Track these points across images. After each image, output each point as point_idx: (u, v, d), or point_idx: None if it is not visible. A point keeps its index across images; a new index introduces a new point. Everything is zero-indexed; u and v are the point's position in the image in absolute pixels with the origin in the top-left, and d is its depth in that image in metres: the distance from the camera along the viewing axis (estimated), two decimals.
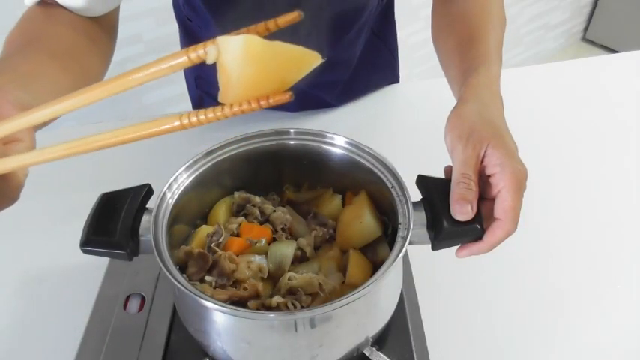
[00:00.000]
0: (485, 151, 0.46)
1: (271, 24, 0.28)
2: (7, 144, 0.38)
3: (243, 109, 0.27)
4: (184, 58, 0.27)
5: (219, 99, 0.29)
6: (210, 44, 0.27)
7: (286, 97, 0.27)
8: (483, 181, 0.47)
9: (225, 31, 0.88)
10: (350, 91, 0.94)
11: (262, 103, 0.27)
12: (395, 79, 1.02)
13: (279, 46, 0.28)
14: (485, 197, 0.47)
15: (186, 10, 0.85)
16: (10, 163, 0.33)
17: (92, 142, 0.30)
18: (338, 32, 0.80)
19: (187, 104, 1.06)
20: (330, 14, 0.76)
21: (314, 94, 0.89)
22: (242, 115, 0.28)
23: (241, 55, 0.27)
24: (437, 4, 0.70)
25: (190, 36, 0.90)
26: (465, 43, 0.59)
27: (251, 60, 0.27)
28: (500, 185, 0.45)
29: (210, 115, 0.27)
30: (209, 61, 0.27)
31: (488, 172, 0.47)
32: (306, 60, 0.29)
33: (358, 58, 0.89)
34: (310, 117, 0.92)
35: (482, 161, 0.47)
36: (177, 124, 0.28)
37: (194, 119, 0.27)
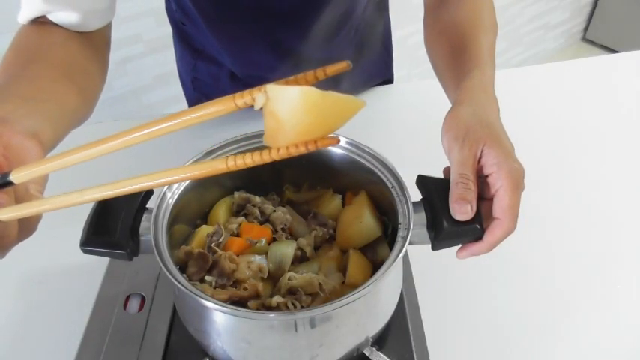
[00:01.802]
0: (481, 151, 0.46)
1: (320, 73, 0.29)
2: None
3: (291, 152, 0.28)
4: (231, 104, 0.28)
5: (264, 141, 0.30)
6: (257, 91, 0.28)
7: (335, 142, 0.29)
8: (481, 181, 0.47)
9: (219, 38, 0.87)
10: (344, 88, 0.93)
11: (310, 147, 0.28)
12: (389, 74, 1.02)
13: (332, 95, 0.29)
14: (483, 197, 0.47)
15: (178, 14, 0.85)
16: (41, 206, 0.35)
17: (132, 183, 0.31)
18: (327, 34, 0.80)
19: (186, 105, 1.06)
20: (319, 17, 0.76)
21: None
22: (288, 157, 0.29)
23: (300, 106, 0.28)
24: (428, 12, 0.70)
25: (184, 39, 0.90)
26: (457, 49, 0.60)
27: (309, 110, 0.28)
28: (498, 185, 0.45)
29: (257, 159, 0.29)
30: (256, 108, 0.28)
31: (485, 172, 0.47)
32: (352, 107, 0.30)
33: (352, 55, 0.89)
34: None
35: (479, 161, 0.47)
36: (222, 166, 0.29)
37: (240, 162, 0.29)
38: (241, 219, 0.57)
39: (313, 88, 0.28)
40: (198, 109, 0.28)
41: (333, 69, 0.29)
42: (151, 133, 0.29)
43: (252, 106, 0.28)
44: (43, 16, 0.56)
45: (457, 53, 0.59)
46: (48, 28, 0.57)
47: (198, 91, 0.96)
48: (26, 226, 0.39)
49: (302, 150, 0.28)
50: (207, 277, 0.50)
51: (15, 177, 0.33)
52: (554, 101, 0.97)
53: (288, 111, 0.28)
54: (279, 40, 0.78)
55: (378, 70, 0.99)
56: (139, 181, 0.31)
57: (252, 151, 0.29)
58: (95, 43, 0.62)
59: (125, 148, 0.30)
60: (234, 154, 0.30)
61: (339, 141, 0.29)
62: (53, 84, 0.52)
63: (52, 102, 0.49)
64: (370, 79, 0.98)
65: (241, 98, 0.28)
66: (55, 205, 0.33)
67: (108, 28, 0.64)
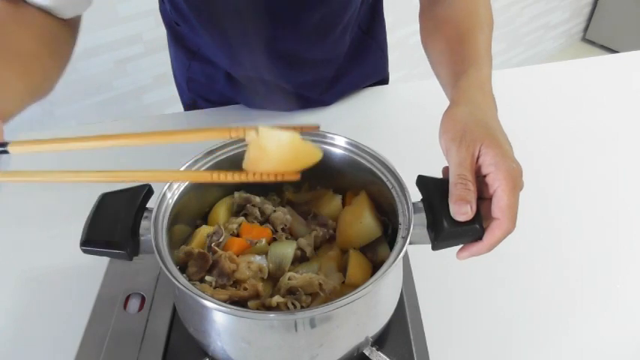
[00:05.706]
0: (479, 151, 0.46)
1: (297, 129, 0.38)
2: None
3: (263, 178, 0.37)
4: (226, 135, 0.37)
5: (244, 166, 0.38)
6: (250, 130, 0.36)
7: (296, 177, 0.37)
8: (480, 180, 0.47)
9: (213, 38, 0.88)
10: (339, 88, 0.94)
11: (278, 177, 0.37)
12: (384, 74, 1.02)
13: (307, 144, 0.38)
14: (482, 197, 0.47)
15: (173, 15, 0.85)
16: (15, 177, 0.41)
17: (130, 176, 0.39)
18: (321, 34, 0.80)
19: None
20: (312, 17, 0.76)
21: (298, 93, 0.89)
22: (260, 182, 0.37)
23: (287, 146, 0.37)
24: (423, 8, 0.69)
25: (179, 40, 0.90)
26: (453, 46, 0.59)
27: (291, 150, 0.37)
28: (496, 185, 0.45)
29: (237, 177, 0.37)
30: (247, 141, 0.37)
31: (483, 171, 0.47)
32: (315, 154, 0.39)
33: (346, 55, 0.89)
34: (309, 117, 0.92)
35: (477, 161, 0.47)
36: (208, 178, 0.38)
37: (222, 177, 0.37)
38: (241, 219, 0.57)
39: (299, 136, 0.37)
40: (199, 131, 0.36)
41: (306, 129, 0.38)
42: (147, 140, 0.37)
43: (243, 139, 0.37)
44: None
45: (453, 50, 0.59)
46: (20, 8, 0.58)
47: (193, 92, 0.96)
48: None
49: (272, 178, 0.37)
50: (207, 277, 0.50)
51: (12, 149, 0.38)
52: (554, 101, 0.97)
53: (276, 148, 0.37)
54: (273, 40, 0.78)
55: (373, 70, 0.99)
56: (136, 176, 0.39)
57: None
58: (65, 27, 0.63)
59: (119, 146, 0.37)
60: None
61: (299, 177, 0.37)
62: (12, 64, 0.54)
63: (5, 82, 0.51)
64: (365, 78, 0.98)
65: (236, 132, 0.37)
66: (46, 178, 0.39)
67: (78, 16, 0.65)
